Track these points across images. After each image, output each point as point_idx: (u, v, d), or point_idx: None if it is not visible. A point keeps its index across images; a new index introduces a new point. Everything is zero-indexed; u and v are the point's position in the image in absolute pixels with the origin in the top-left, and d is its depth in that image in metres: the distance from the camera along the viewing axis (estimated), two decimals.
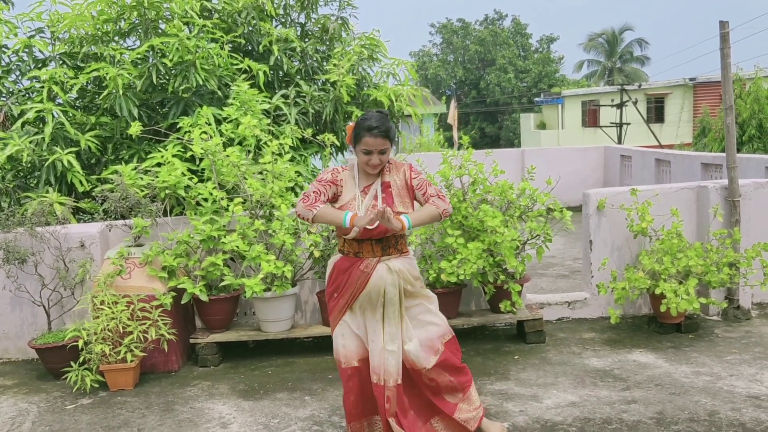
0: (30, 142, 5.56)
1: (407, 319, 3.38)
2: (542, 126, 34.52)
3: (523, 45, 44.47)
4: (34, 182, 5.83)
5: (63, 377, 4.60)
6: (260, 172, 5.24)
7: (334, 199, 3.37)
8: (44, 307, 5.02)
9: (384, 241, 3.33)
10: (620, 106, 26.74)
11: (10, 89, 6.16)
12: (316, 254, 4.88)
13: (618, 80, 39.55)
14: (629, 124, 26.87)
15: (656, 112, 32.17)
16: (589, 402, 3.95)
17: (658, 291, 4.82)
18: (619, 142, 26.15)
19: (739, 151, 13.46)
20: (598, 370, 4.46)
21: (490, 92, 41.99)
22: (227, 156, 5.04)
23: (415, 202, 3.44)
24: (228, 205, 5.00)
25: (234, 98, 5.73)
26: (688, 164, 9.21)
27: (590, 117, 32.08)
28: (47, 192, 5.44)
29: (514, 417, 3.81)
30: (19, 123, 5.70)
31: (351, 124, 3.41)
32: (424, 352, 3.35)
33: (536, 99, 37.16)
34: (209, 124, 5.58)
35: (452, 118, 17.30)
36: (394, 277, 3.31)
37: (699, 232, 5.49)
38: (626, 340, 5.03)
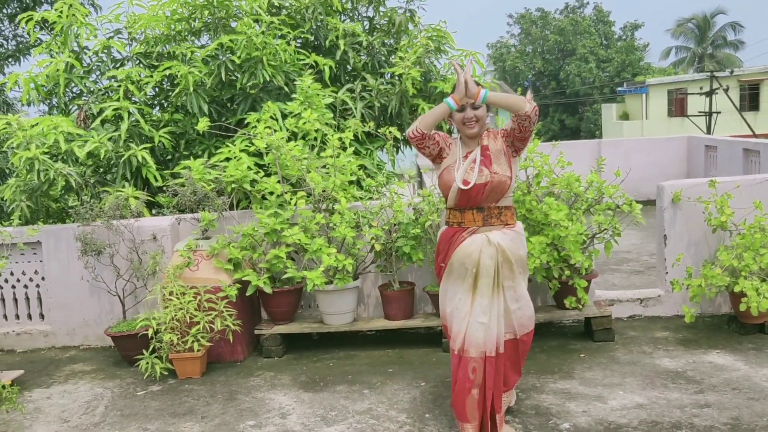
0: (108, 139, 5.81)
1: (504, 295, 3.38)
2: (625, 116, 33.30)
3: (606, 33, 42.94)
4: (112, 177, 6.09)
5: (136, 364, 4.80)
6: (323, 166, 5.27)
7: (438, 156, 3.45)
8: (119, 296, 5.25)
9: (485, 210, 3.35)
10: (710, 94, 25.43)
11: (91, 88, 6.46)
12: (378, 248, 4.87)
13: (709, 67, 37.59)
14: (719, 112, 25.51)
15: (750, 99, 30.42)
16: (658, 404, 3.76)
17: (737, 289, 4.53)
18: (709, 132, 24.89)
19: None
20: (669, 371, 4.24)
21: (570, 83, 40.83)
22: (290, 150, 5.10)
23: (512, 147, 3.40)
24: (292, 199, 5.06)
25: (298, 93, 5.79)
26: None
27: (677, 106, 30.67)
28: (123, 186, 5.67)
29: (577, 417, 3.67)
30: (98, 120, 5.97)
31: None
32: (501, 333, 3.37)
33: (619, 89, 35.85)
34: (275, 119, 5.66)
35: None
36: (492, 251, 3.31)
37: None
38: (702, 340, 4.76)
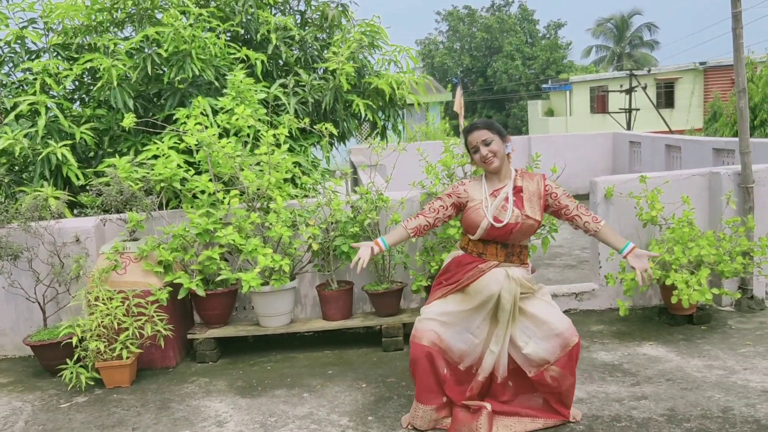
0: (24, 136, 5.44)
1: (523, 321, 3.44)
2: (550, 113, 34.21)
3: (530, 31, 44.03)
4: (29, 176, 5.71)
5: (59, 374, 4.51)
6: (257, 164, 5.11)
7: (458, 208, 3.52)
8: (39, 303, 4.92)
9: (509, 247, 3.43)
10: (629, 91, 26.42)
11: (3, 81, 6.03)
12: (315, 247, 4.74)
13: (627, 66, 39.12)
14: (638, 109, 26.55)
15: (666, 97, 31.81)
16: (597, 398, 3.81)
17: (668, 282, 4.66)
18: (629, 128, 25.86)
19: (750, 135, 13.20)
20: (606, 364, 4.32)
21: (497, 80, 41.65)
22: (222, 147, 4.91)
23: (547, 208, 3.52)
24: (224, 198, 4.87)
25: (230, 88, 5.59)
26: (699, 150, 9.00)
27: (599, 103, 31.76)
28: (42, 186, 5.33)
29: None
30: (12, 115, 5.58)
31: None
32: (548, 347, 3.39)
33: (544, 86, 36.82)
34: (205, 115, 5.44)
35: (458, 106, 17.04)
36: (510, 285, 3.38)
37: (711, 221, 5.32)
38: (636, 333, 4.88)
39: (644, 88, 26.02)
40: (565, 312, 5.40)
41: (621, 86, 28.72)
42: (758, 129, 14.31)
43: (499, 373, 3.49)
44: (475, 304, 3.42)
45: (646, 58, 43.25)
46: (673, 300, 4.60)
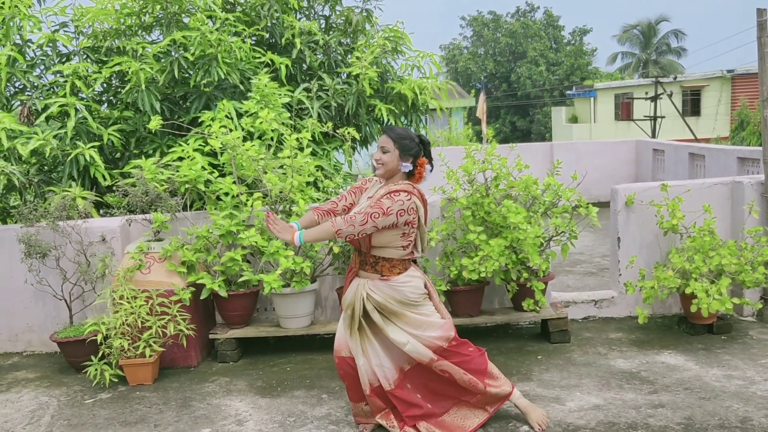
0: (54, 137, 5.58)
1: (397, 325, 3.43)
2: (574, 120, 33.98)
3: (555, 37, 43.79)
4: (58, 176, 5.86)
5: (84, 371, 4.61)
6: (281, 167, 5.18)
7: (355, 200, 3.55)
8: (66, 301, 5.04)
9: (361, 255, 3.45)
10: (654, 98, 26.16)
11: (35, 84, 6.20)
12: (336, 250, 4.80)
13: (653, 72, 38.74)
14: (663, 117, 26.26)
15: (692, 105, 31.40)
16: (614, 405, 3.81)
17: (688, 290, 4.64)
18: (653, 135, 25.60)
19: None
20: (624, 371, 4.31)
21: (521, 85, 41.47)
22: (246, 150, 4.99)
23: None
24: (248, 200, 4.95)
25: (254, 92, 5.68)
26: (723, 159, 8.90)
27: (623, 110, 31.43)
28: (70, 186, 5.46)
29: None
30: (43, 117, 5.73)
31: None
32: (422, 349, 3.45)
33: (568, 92, 36.56)
34: (230, 118, 5.54)
35: (481, 111, 17.06)
36: (361, 294, 3.40)
37: (733, 230, 5.28)
38: (655, 341, 4.86)
39: (670, 96, 25.73)
40: (584, 319, 5.40)
41: (646, 93, 28.44)
42: None
43: (369, 383, 3.49)
44: (349, 317, 3.48)
45: (672, 65, 42.75)
46: (693, 309, 4.58)
